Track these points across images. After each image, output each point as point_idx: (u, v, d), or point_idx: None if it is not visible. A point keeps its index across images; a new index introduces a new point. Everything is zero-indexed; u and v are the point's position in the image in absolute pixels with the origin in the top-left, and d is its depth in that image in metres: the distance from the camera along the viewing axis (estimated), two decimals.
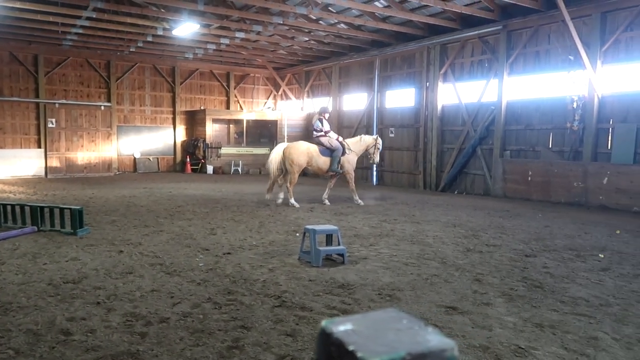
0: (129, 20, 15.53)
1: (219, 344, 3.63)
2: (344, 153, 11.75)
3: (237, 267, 5.78)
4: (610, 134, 12.20)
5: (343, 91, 21.16)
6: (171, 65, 22.91)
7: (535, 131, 13.76)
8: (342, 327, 0.51)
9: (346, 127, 20.92)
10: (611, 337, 3.88)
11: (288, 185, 11.58)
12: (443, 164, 16.43)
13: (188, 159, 22.34)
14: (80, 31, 16.95)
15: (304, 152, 11.57)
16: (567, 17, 11.77)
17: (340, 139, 11.95)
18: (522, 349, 3.62)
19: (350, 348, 0.46)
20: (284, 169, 11.64)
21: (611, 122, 12.12)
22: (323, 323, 0.56)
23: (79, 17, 15.16)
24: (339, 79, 21.17)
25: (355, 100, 20.72)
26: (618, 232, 8.63)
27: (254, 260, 6.15)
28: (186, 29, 15.92)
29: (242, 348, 3.57)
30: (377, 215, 10.15)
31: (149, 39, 17.91)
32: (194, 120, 23.22)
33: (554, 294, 4.96)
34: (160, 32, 16.84)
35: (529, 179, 13.39)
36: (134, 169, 22.21)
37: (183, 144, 23.24)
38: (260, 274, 5.52)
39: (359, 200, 11.91)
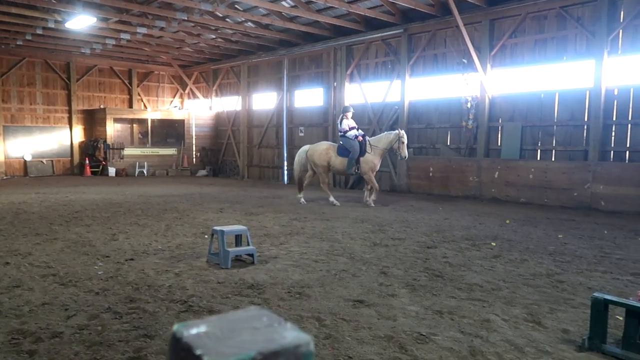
0: (13, 10, 14.19)
1: (119, 356, 3.43)
2: (362, 154, 11.32)
3: (140, 274, 5.50)
4: (499, 132, 13.27)
5: (252, 90, 20.99)
6: (66, 60, 21.31)
7: (435, 129, 14.59)
8: (194, 331, 0.49)
9: (256, 126, 20.80)
10: (501, 318, 4.21)
11: (322, 185, 11.91)
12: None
13: (87, 161, 20.91)
14: None
15: (323, 152, 11.64)
16: (460, 23, 12.61)
17: (360, 138, 11.41)
18: (424, 335, 3.81)
19: (198, 352, 0.44)
20: (309, 170, 12.00)
21: (500, 121, 13.19)
22: (174, 327, 0.54)
23: None
24: (247, 77, 20.97)
25: (264, 100, 20.64)
26: (508, 221, 9.41)
27: (159, 265, 5.90)
28: (81, 22, 14.88)
29: (145, 358, 3.41)
30: (288, 213, 10.19)
31: (39, 31, 16.50)
32: (94, 119, 21.79)
33: (453, 282, 5.28)
34: (51, 25, 15.57)
35: (431, 174, 14.18)
36: (25, 173, 20.37)
37: (81, 145, 21.72)
38: (165, 279, 5.31)
39: (371, 202, 11.41)
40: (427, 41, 14.49)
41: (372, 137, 11.84)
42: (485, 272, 5.73)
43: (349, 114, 11.59)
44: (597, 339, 3.53)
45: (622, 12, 11.10)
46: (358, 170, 11.46)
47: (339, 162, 11.48)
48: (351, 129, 11.47)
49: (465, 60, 13.39)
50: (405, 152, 11.32)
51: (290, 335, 0.49)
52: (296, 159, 12.38)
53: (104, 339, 3.70)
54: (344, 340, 3.68)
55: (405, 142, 11.30)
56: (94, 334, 3.80)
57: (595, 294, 3.68)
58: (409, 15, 14.54)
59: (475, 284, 5.20)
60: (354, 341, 3.68)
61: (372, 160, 11.38)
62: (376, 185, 11.61)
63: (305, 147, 12.25)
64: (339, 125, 11.63)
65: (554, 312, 4.35)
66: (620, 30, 11.06)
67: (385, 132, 11.91)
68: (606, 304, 3.59)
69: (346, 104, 16.79)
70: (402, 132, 11.38)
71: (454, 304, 4.57)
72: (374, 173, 11.65)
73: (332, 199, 11.70)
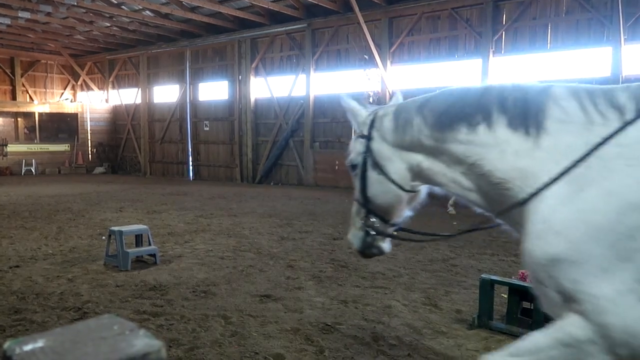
0: None
1: None
2: None
3: (27, 281, 5.04)
4: None
5: (153, 82, 20.04)
6: None
7: (340, 124, 14.93)
8: (28, 347, 0.45)
9: (158, 120, 19.93)
10: (402, 303, 4.43)
11: None
12: (259, 156, 16.77)
13: None
14: None
15: None
16: (361, 20, 12.99)
17: None
18: (329, 325, 3.90)
19: None
20: None
21: None
22: (6, 344, 0.50)
23: None
24: (147, 69, 19.97)
25: (166, 93, 19.81)
26: None
27: (50, 271, 5.45)
28: None
29: None
30: (193, 210, 9.90)
31: None
32: None
33: (357, 272, 5.46)
34: None
35: (336, 168, 14.51)
36: None
37: None
38: (56, 285, 4.92)
39: (450, 208, 9.76)
40: (331, 36, 14.76)
41: None
42: (387, 260, 5.98)
43: None
44: (485, 316, 3.85)
45: (504, 15, 12.10)
46: None
47: None
48: None
49: (366, 57, 13.82)
50: None
51: (140, 343, 0.47)
52: None
53: None
54: (250, 337, 3.66)
55: None
56: None
57: (483, 275, 4.00)
58: (312, 11, 14.70)
59: (378, 272, 5.42)
60: (261, 336, 3.67)
61: None
62: None
63: None
64: None
65: (448, 295, 4.67)
66: (503, 32, 12.05)
67: None
68: (492, 284, 3.91)
69: (251, 97, 16.63)
70: None
71: (358, 292, 4.73)
72: None
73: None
